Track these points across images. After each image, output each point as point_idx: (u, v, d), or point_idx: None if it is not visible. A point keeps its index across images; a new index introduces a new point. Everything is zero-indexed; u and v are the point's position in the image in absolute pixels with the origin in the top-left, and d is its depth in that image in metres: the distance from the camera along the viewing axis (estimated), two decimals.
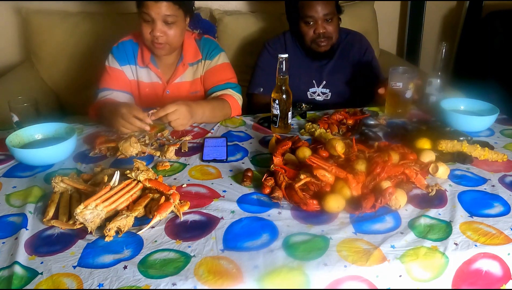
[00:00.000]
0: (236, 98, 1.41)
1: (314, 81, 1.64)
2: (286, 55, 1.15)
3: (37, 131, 1.13)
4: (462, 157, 1.05)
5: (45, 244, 0.75)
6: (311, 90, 1.64)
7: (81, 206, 0.75)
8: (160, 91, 1.44)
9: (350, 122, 1.27)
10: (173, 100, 1.18)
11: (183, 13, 1.32)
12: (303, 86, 1.63)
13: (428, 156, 1.02)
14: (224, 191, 0.93)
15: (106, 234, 0.75)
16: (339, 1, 1.55)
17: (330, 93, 1.64)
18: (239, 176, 0.98)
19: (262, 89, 1.60)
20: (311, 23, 1.49)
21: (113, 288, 0.65)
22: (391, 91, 1.32)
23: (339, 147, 0.98)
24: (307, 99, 1.64)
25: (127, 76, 1.42)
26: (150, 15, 1.25)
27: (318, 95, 1.65)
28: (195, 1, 1.40)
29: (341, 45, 1.64)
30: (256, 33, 2.05)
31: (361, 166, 0.93)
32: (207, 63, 1.46)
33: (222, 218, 0.83)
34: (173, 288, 0.66)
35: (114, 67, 1.41)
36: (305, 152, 1.00)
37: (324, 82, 1.63)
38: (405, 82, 1.28)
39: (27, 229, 0.79)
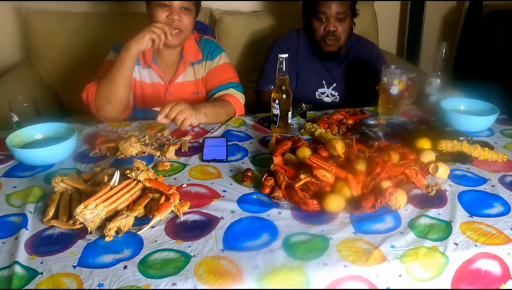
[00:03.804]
0: (238, 97, 1.41)
1: (324, 82, 1.63)
2: (286, 55, 1.15)
3: (37, 131, 1.13)
4: (462, 157, 1.05)
5: (45, 244, 0.75)
6: (320, 90, 1.64)
7: (81, 206, 0.75)
8: (162, 91, 1.44)
9: (350, 122, 1.27)
10: (175, 100, 1.16)
11: (194, 7, 1.35)
12: (312, 86, 1.63)
13: (428, 156, 1.02)
14: (224, 191, 0.93)
15: (106, 234, 0.75)
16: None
17: (339, 96, 1.64)
18: (239, 176, 0.98)
19: (272, 87, 1.59)
20: (323, 19, 1.48)
21: (113, 288, 0.65)
22: (382, 87, 1.34)
23: (339, 147, 0.98)
24: (315, 100, 1.63)
25: None
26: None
27: (327, 96, 1.64)
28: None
29: (353, 50, 1.64)
30: (256, 33, 2.05)
31: (361, 166, 0.92)
32: (208, 64, 1.46)
33: (222, 218, 0.83)
34: (173, 288, 0.66)
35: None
36: (305, 152, 1.00)
37: (335, 84, 1.63)
38: (389, 78, 1.31)
39: (27, 229, 0.79)
